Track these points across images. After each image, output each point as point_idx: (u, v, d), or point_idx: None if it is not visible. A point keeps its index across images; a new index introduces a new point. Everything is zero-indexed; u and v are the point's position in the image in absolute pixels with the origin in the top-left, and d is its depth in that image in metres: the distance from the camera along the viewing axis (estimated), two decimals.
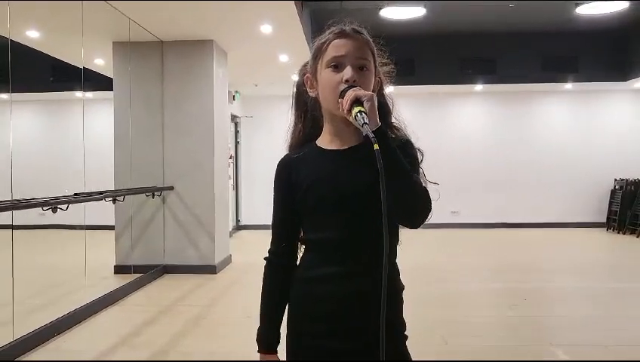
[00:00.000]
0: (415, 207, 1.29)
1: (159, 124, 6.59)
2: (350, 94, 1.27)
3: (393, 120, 1.47)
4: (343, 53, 1.35)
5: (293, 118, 1.54)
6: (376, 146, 1.16)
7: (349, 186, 1.35)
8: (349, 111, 1.26)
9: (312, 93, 1.44)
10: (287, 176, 1.44)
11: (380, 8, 7.36)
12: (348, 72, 1.33)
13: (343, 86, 1.32)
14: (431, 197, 1.30)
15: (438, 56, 9.79)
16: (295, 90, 1.53)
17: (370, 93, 1.28)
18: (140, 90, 6.50)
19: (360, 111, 1.23)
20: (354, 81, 1.32)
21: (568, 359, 3.82)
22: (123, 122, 6.40)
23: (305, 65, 1.49)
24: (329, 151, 1.41)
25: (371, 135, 1.18)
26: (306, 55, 6.24)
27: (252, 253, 7.77)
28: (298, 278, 1.44)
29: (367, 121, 1.21)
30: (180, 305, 5.28)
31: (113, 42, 6.40)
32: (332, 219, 1.37)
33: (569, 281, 6.30)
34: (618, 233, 10.11)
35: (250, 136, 11.18)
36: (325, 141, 1.44)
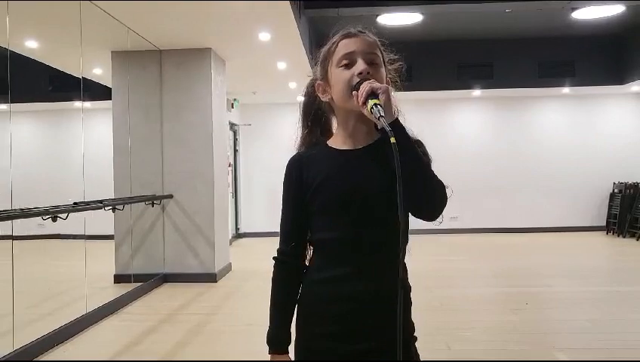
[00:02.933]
0: (434, 196, 1.28)
1: (158, 133, 6.60)
2: (365, 86, 1.26)
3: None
4: (353, 50, 1.36)
5: (301, 127, 1.53)
6: (392, 140, 1.15)
7: (361, 186, 1.35)
8: (364, 103, 1.26)
9: (324, 98, 1.44)
10: (299, 174, 1.43)
11: (377, 15, 7.39)
12: (360, 65, 1.34)
13: (357, 79, 1.32)
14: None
15: (436, 62, 9.83)
16: (304, 98, 1.53)
17: (385, 85, 1.28)
18: (139, 99, 6.52)
19: (376, 104, 1.23)
20: (367, 73, 1.32)
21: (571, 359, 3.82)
22: (122, 131, 6.42)
23: (312, 79, 1.49)
24: (341, 151, 1.41)
25: (388, 128, 1.18)
26: (304, 62, 6.27)
27: (252, 261, 7.80)
28: (308, 279, 1.43)
29: (382, 113, 1.21)
30: (181, 314, 5.26)
31: (111, 52, 6.42)
32: (343, 218, 1.36)
33: (570, 285, 6.29)
34: (618, 236, 10.11)
35: (248, 144, 11.18)
36: (338, 141, 1.44)
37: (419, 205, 1.27)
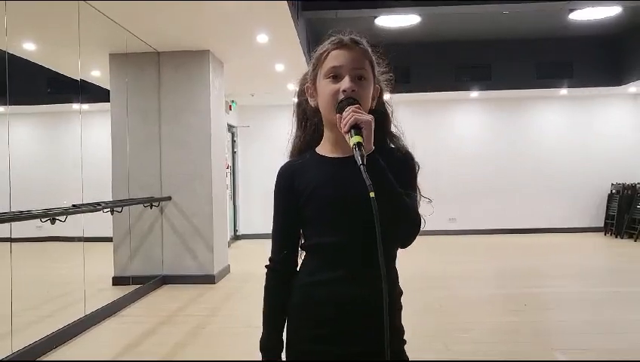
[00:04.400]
0: (405, 233, 1.34)
1: (156, 135, 6.60)
2: (349, 116, 1.28)
3: (392, 128, 1.49)
4: (340, 64, 1.37)
5: (294, 126, 1.55)
6: (372, 194, 1.18)
7: (351, 193, 1.36)
8: (347, 133, 1.28)
9: (312, 103, 1.46)
10: (289, 183, 1.44)
11: (375, 17, 7.41)
12: (346, 83, 1.35)
13: (341, 96, 1.34)
14: (422, 217, 1.35)
15: (434, 63, 9.84)
16: (296, 98, 1.54)
17: (369, 118, 1.29)
18: (137, 101, 6.51)
19: (358, 144, 1.25)
20: (352, 91, 1.34)
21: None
22: (120, 133, 6.41)
23: (305, 75, 1.50)
24: (330, 159, 1.43)
25: (368, 181, 1.19)
26: (302, 64, 6.29)
27: (250, 263, 7.78)
28: (299, 283, 1.44)
29: (364, 161, 1.22)
30: (180, 316, 5.26)
31: (109, 54, 6.41)
32: (333, 224, 1.38)
33: (568, 286, 6.29)
34: (616, 237, 10.13)
35: (246, 146, 11.19)
36: (326, 149, 1.45)
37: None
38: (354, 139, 1.26)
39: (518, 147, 11.00)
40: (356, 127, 1.27)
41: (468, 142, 11.07)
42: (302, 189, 1.42)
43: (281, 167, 1.49)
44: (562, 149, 10.94)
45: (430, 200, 1.42)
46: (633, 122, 10.95)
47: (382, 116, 1.46)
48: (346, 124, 1.28)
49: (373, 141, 1.28)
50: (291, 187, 1.44)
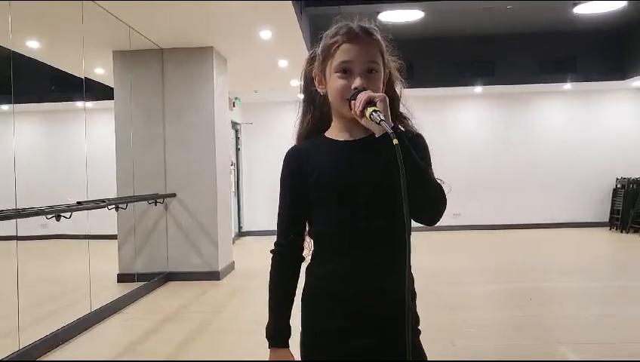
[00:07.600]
0: (432, 203, 1.29)
1: (160, 132, 6.61)
2: (362, 96, 1.26)
3: (401, 108, 1.47)
4: (351, 59, 1.34)
5: (301, 110, 1.52)
6: (395, 141, 1.16)
7: (361, 176, 1.34)
8: (362, 112, 1.26)
9: (321, 90, 1.43)
10: (298, 166, 1.42)
11: (378, 12, 7.39)
12: (357, 82, 1.33)
13: (352, 92, 1.32)
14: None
15: (437, 59, 9.81)
16: (303, 82, 1.51)
17: (382, 94, 1.28)
18: (141, 98, 6.51)
19: (375, 110, 1.23)
20: (363, 89, 1.32)
21: (577, 359, 3.81)
22: (124, 131, 6.41)
23: (311, 58, 1.47)
24: (339, 142, 1.41)
25: (390, 130, 1.17)
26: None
27: (255, 259, 7.76)
28: (311, 273, 1.42)
29: (383, 117, 1.21)
30: (185, 313, 5.27)
31: (113, 51, 6.41)
32: (342, 211, 1.35)
33: (574, 281, 6.28)
34: (621, 232, 10.09)
35: (250, 143, 11.19)
36: (334, 133, 1.43)
37: (417, 211, 1.25)
38: (369, 110, 1.24)
39: (522, 142, 10.97)
40: (370, 103, 1.25)
41: (472, 137, 11.04)
42: (310, 171, 1.39)
43: (289, 150, 1.47)
44: (567, 144, 10.91)
45: (443, 182, 1.36)
46: (637, 116, 10.90)
47: (391, 98, 1.42)
48: (360, 104, 1.26)
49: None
50: (299, 169, 1.41)
